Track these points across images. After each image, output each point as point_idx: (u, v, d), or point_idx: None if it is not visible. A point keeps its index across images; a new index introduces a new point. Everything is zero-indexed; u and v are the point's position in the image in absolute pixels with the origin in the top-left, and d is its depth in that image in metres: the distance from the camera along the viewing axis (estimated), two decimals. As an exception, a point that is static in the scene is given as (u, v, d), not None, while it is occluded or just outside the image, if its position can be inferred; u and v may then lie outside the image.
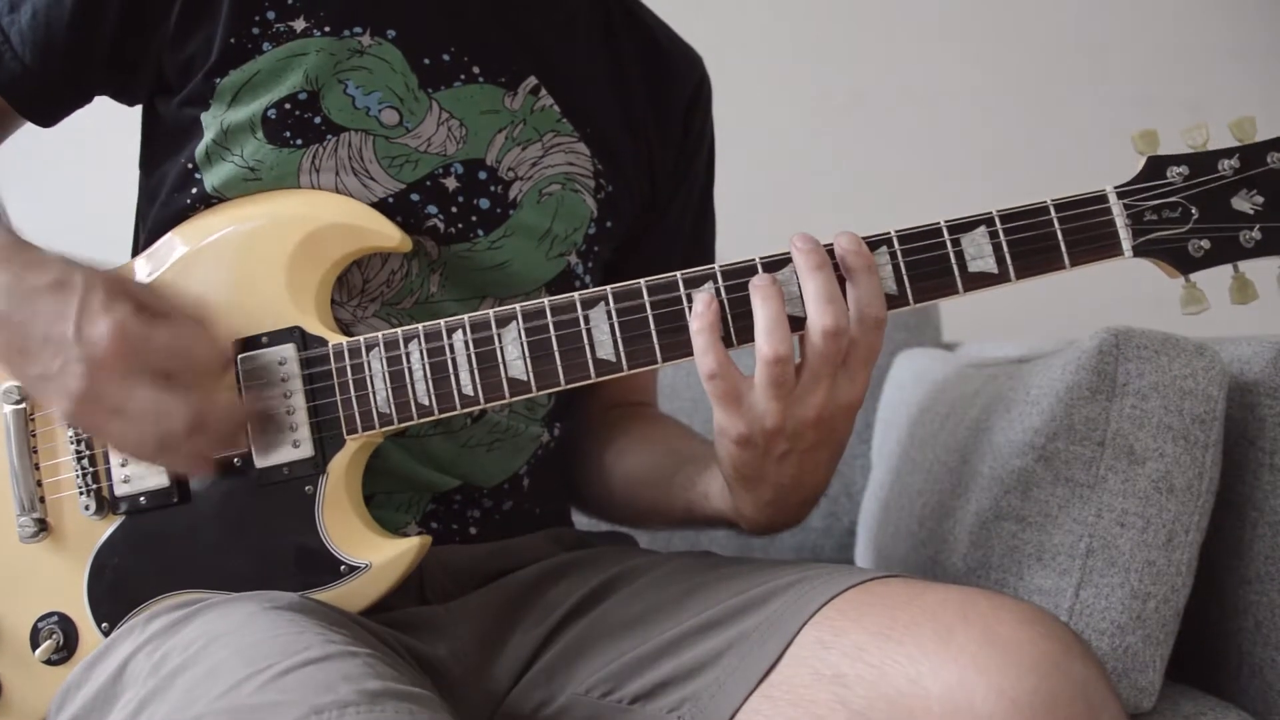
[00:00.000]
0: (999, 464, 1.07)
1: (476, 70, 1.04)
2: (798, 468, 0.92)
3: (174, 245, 0.99)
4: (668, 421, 1.22)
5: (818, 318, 0.87)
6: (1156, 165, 0.91)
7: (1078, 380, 1.01)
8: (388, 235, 0.97)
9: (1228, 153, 0.91)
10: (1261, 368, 1.03)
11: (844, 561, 1.59)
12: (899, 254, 0.91)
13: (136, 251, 1.10)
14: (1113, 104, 1.98)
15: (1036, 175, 1.93)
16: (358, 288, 1.01)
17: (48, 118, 1.06)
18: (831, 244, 0.90)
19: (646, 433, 1.16)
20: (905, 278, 0.91)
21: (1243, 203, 0.91)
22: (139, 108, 1.08)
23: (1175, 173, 0.91)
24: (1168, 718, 0.99)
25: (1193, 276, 0.91)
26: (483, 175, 1.03)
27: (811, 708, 0.80)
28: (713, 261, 1.21)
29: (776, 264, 0.91)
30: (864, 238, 0.90)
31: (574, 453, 1.21)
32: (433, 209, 1.01)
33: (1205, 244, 0.91)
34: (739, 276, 0.91)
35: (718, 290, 0.91)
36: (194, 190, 1.00)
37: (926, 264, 0.91)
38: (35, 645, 0.94)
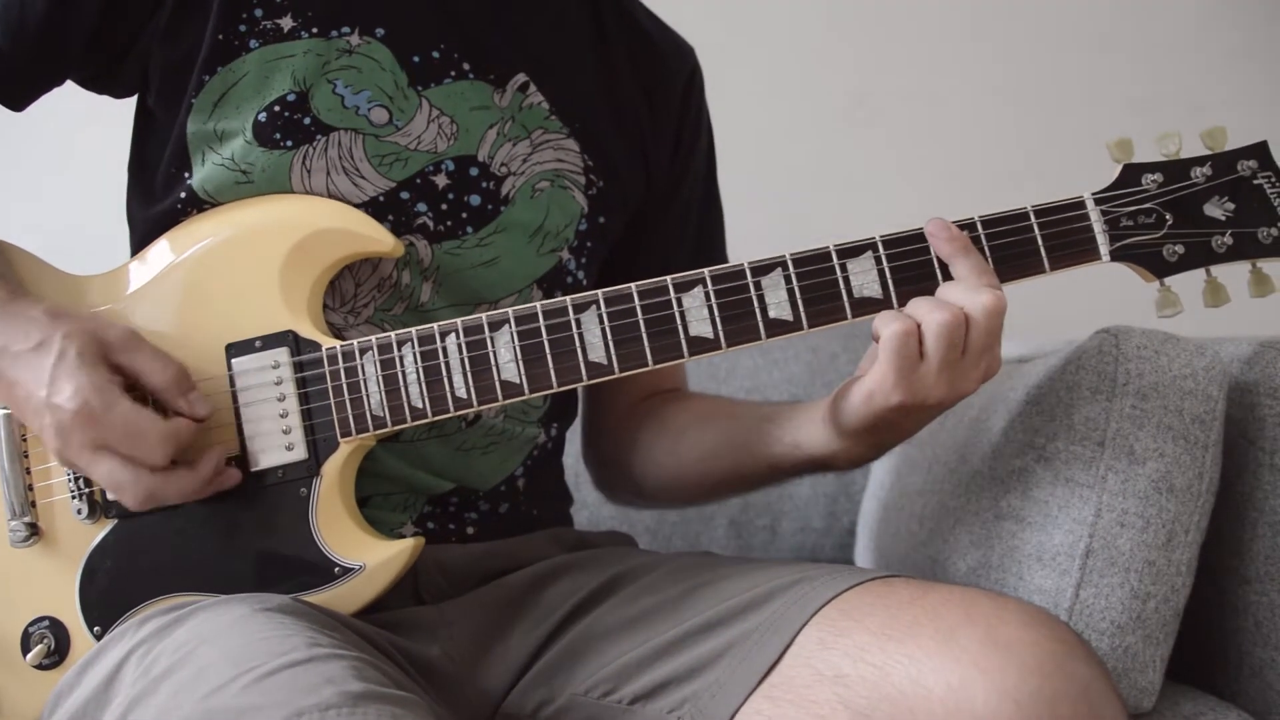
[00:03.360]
0: (999, 464, 1.06)
1: (466, 67, 1.03)
2: (928, 419, 0.95)
3: (167, 250, 0.99)
4: (713, 397, 1.22)
5: (981, 300, 0.88)
6: (1131, 173, 0.95)
7: (1078, 380, 1.01)
8: (380, 240, 0.97)
9: (1199, 160, 0.95)
10: (1261, 368, 1.03)
11: (844, 561, 1.59)
12: (884, 259, 0.93)
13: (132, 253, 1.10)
14: (1113, 104, 1.98)
15: (1037, 176, 1.93)
16: (350, 293, 1.00)
17: (18, 100, 1.05)
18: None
19: (701, 410, 1.16)
20: (889, 281, 0.93)
21: (1214, 209, 0.94)
22: (131, 109, 1.08)
23: (1150, 180, 0.94)
24: (1168, 718, 0.99)
25: (1167, 280, 0.94)
26: (474, 172, 1.03)
27: (813, 708, 0.80)
28: (724, 252, 1.22)
29: (765, 268, 0.93)
30: (849, 243, 0.93)
31: (610, 448, 1.21)
32: (422, 206, 1.01)
33: (1179, 249, 0.94)
34: (727, 280, 0.93)
35: (707, 294, 0.92)
36: (183, 194, 1.00)
37: (912, 268, 0.93)
38: (26, 650, 0.94)
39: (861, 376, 0.93)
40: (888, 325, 0.89)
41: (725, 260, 1.19)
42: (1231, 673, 1.05)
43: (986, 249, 0.93)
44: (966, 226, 0.93)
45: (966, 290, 0.90)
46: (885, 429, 0.95)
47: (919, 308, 0.90)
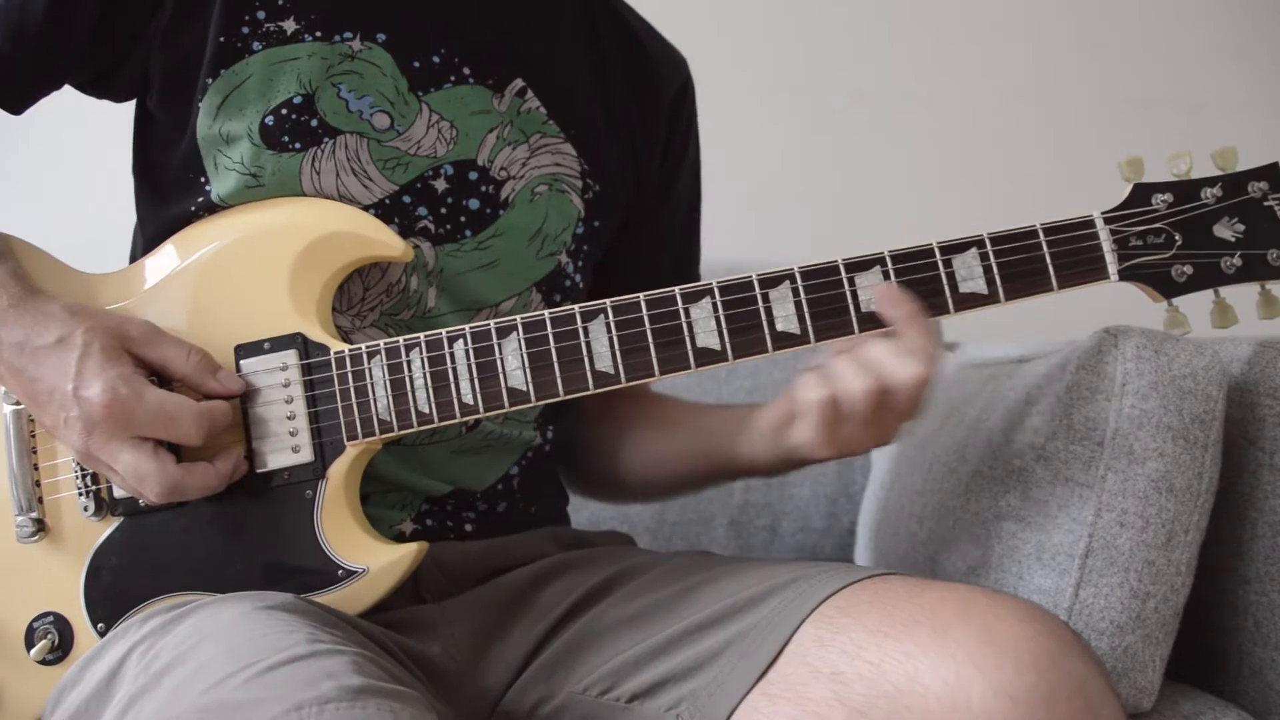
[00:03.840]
0: (999, 464, 1.07)
1: (467, 71, 1.04)
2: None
3: (177, 251, 1.00)
4: (674, 402, 1.23)
5: (904, 370, 0.89)
6: (1142, 192, 0.94)
7: (1078, 380, 1.01)
8: (391, 245, 0.97)
9: (1210, 181, 0.94)
10: (1261, 368, 1.03)
11: (844, 561, 1.59)
12: (892, 274, 0.93)
13: (135, 252, 1.10)
14: (1113, 105, 1.98)
15: (1036, 177, 1.94)
16: (358, 297, 1.01)
17: (17, 103, 1.05)
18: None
19: (664, 418, 1.19)
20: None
21: (1224, 230, 0.93)
22: (129, 109, 1.08)
23: (1160, 200, 0.94)
24: (1167, 717, 0.99)
25: (1175, 300, 0.94)
26: (473, 176, 1.04)
27: (809, 705, 0.80)
28: (698, 268, 1.22)
29: (773, 280, 0.93)
30: (858, 258, 0.93)
31: (588, 444, 1.22)
32: (423, 210, 1.02)
33: (1188, 269, 0.93)
34: (735, 292, 0.93)
35: (715, 305, 0.92)
36: (200, 198, 1.00)
37: (919, 284, 0.93)
38: (30, 645, 0.94)
39: (788, 419, 0.96)
40: (809, 392, 0.90)
41: (697, 276, 1.20)
42: (1231, 673, 1.05)
43: (995, 266, 0.92)
44: (974, 243, 0.93)
45: (893, 354, 0.90)
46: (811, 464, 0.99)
47: (841, 369, 0.90)
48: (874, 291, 0.92)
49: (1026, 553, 1.02)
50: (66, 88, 1.06)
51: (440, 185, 1.02)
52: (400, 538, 1.02)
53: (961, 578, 1.08)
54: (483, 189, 1.04)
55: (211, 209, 1.00)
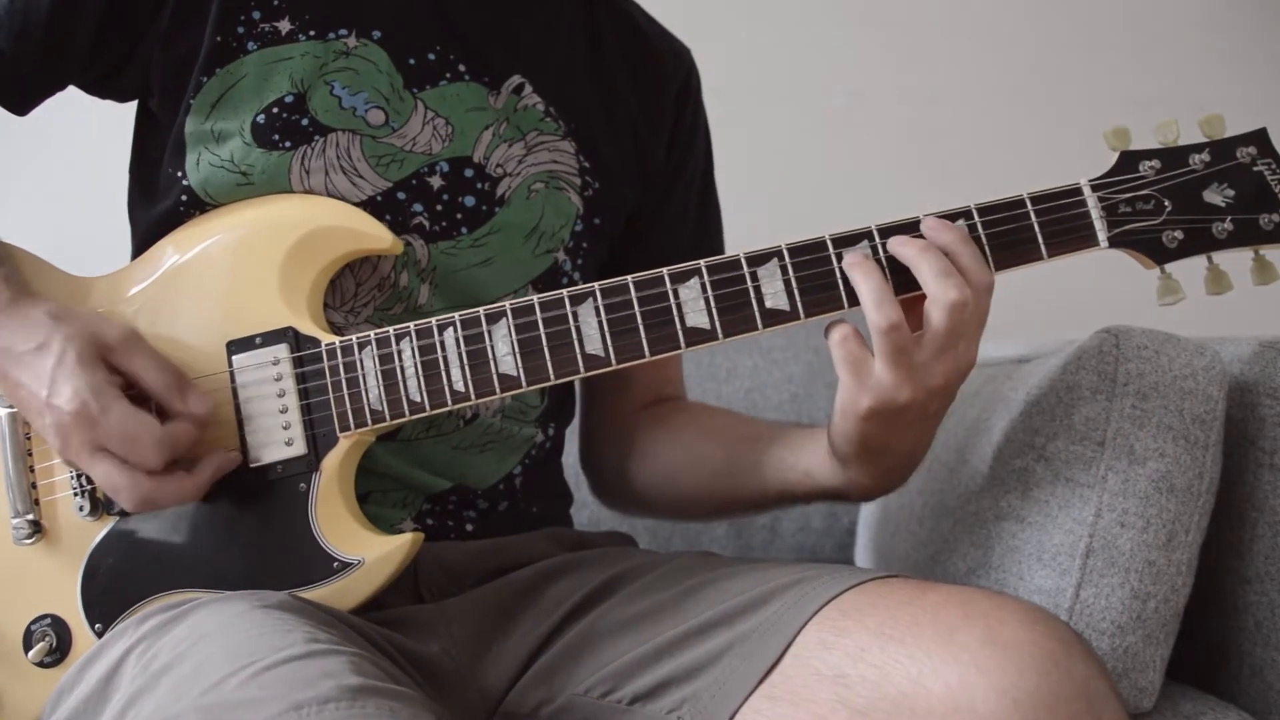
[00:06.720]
0: (999, 464, 1.06)
1: (462, 68, 1.04)
2: (919, 432, 0.94)
3: (169, 250, 1.00)
4: (721, 411, 1.22)
5: (941, 293, 0.87)
6: (1129, 160, 0.94)
7: (1078, 380, 1.00)
8: (380, 238, 0.97)
9: (1198, 147, 0.94)
10: (1261, 368, 1.03)
11: (844, 561, 1.59)
12: (880, 248, 0.92)
13: (133, 256, 1.10)
14: (1113, 103, 1.98)
15: (1036, 175, 1.93)
16: (350, 292, 1.01)
17: (22, 105, 1.05)
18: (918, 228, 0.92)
19: (705, 425, 1.16)
20: (886, 271, 0.91)
21: (1214, 195, 0.93)
22: (132, 110, 1.08)
23: (1147, 167, 0.93)
24: (1168, 718, 0.99)
25: (1168, 268, 0.93)
26: (469, 173, 1.04)
27: (812, 707, 0.80)
28: (722, 249, 1.22)
29: (761, 258, 0.93)
30: (845, 233, 0.92)
31: (611, 456, 1.21)
32: (418, 207, 1.02)
33: (1179, 235, 0.93)
34: (723, 271, 0.93)
35: (703, 285, 0.92)
36: (184, 196, 1.00)
37: None
38: (28, 648, 0.94)
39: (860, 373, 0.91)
40: (876, 318, 0.88)
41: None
42: (1231, 673, 1.05)
43: (983, 237, 0.92)
44: (962, 214, 0.92)
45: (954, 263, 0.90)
46: (879, 451, 0.94)
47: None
48: (924, 223, 0.91)
49: (1027, 553, 1.01)
50: (71, 88, 1.06)
51: (436, 182, 1.02)
52: (400, 535, 1.02)
53: (962, 578, 1.08)
54: (479, 186, 1.04)
55: (198, 204, 1.00)
